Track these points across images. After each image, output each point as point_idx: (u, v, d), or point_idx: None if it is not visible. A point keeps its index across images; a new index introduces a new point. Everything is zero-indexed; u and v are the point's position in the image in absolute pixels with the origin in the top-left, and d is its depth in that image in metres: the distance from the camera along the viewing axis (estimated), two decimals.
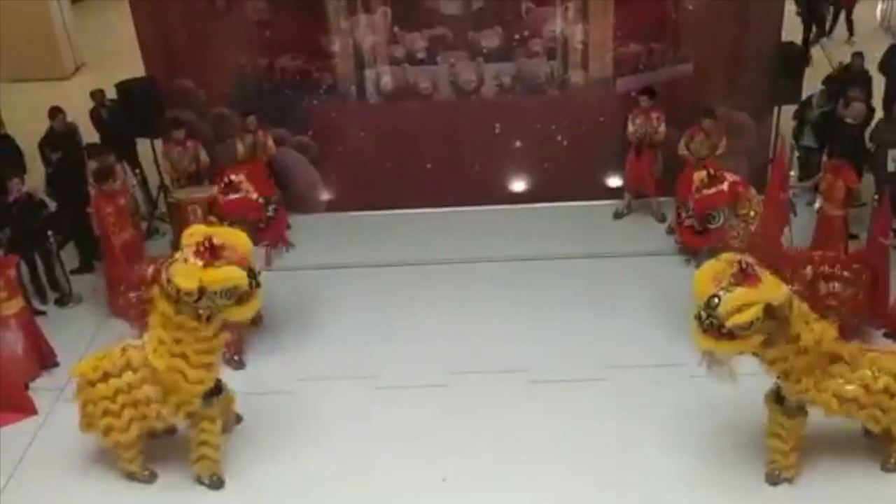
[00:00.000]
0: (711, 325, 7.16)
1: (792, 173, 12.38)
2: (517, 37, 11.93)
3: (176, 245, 11.77)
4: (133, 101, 12.02)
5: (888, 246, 9.61)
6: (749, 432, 8.45)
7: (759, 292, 7.13)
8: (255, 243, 8.73)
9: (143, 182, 12.87)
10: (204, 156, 12.01)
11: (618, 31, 11.84)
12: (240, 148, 12.03)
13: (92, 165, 11.12)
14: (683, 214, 10.62)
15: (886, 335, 9.84)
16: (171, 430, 8.74)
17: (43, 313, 10.91)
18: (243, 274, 7.61)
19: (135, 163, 12.69)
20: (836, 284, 9.33)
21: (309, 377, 9.60)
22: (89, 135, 12.60)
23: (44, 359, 10.16)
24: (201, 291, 7.51)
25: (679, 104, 11.75)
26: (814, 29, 16.51)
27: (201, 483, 8.42)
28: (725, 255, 7.55)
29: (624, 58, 11.99)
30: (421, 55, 12.08)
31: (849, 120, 11.14)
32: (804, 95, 11.94)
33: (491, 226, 12.18)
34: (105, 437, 8.30)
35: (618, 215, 12.17)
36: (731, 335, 7.17)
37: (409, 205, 12.16)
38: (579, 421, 8.85)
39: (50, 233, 11.03)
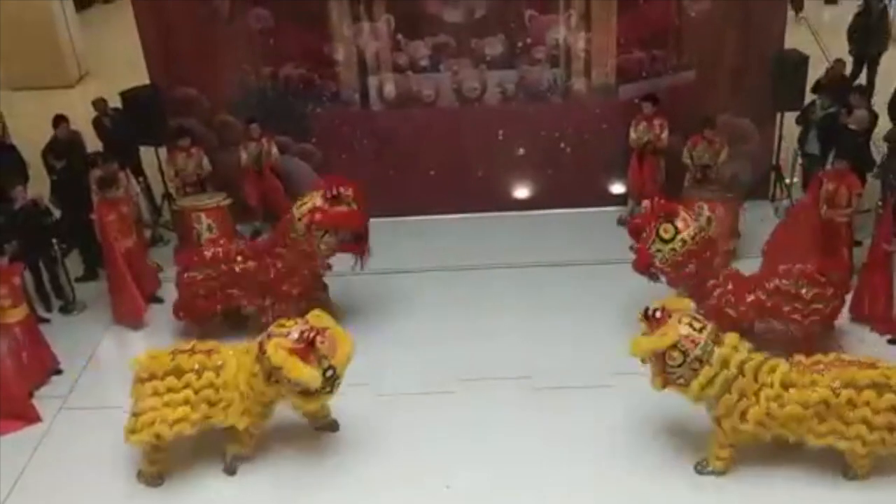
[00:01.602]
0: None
1: (795, 180, 12.47)
2: (520, 44, 11.94)
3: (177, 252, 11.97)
4: (137, 109, 12.05)
5: (893, 252, 9.62)
6: None
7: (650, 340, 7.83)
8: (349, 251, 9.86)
9: (147, 190, 12.90)
10: (206, 163, 12.04)
11: (620, 38, 11.85)
12: (243, 155, 12.06)
13: (95, 173, 11.14)
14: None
15: (891, 341, 9.85)
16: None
17: (47, 321, 10.91)
18: (318, 379, 7.89)
19: (138, 171, 12.73)
20: (797, 304, 9.31)
21: None
22: (94, 143, 12.60)
23: (48, 367, 10.16)
24: (272, 373, 7.96)
25: (682, 111, 11.76)
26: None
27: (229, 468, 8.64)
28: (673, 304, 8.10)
29: (627, 65, 11.99)
30: (424, 63, 12.11)
31: (852, 126, 11.11)
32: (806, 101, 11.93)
33: (494, 233, 12.18)
34: (147, 430, 8.30)
35: (621, 222, 12.10)
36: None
37: (412, 212, 12.17)
38: (584, 428, 8.83)
39: (54, 240, 11.04)
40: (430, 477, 8.43)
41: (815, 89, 12.18)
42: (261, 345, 8.07)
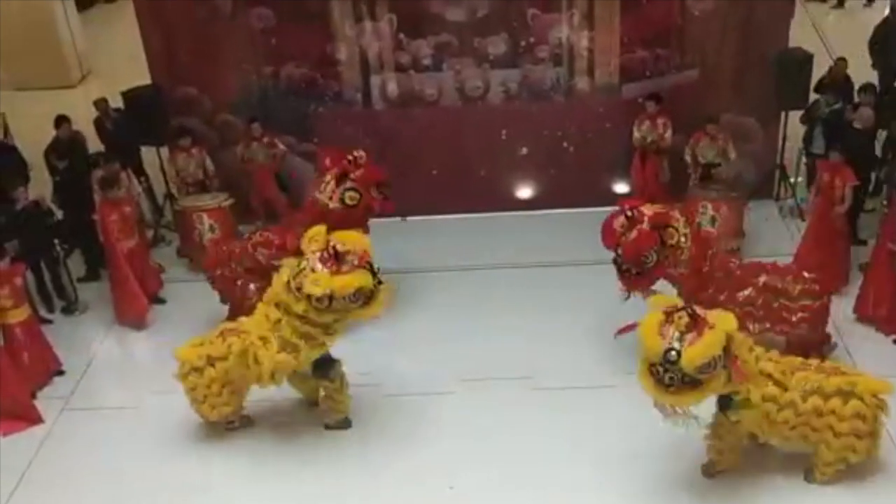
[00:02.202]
0: (673, 379, 7.05)
1: (800, 179, 12.43)
2: (523, 43, 11.91)
3: (182, 253, 11.93)
4: (139, 109, 12.03)
5: None
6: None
7: (714, 334, 7.02)
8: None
9: (149, 190, 12.88)
10: (209, 163, 12.01)
11: (624, 37, 11.81)
12: (245, 155, 12.02)
13: (97, 174, 11.12)
14: (619, 261, 9.33)
15: None
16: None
17: (49, 321, 10.91)
18: (369, 276, 8.04)
19: (140, 171, 12.71)
20: (787, 301, 9.16)
21: None
22: (96, 143, 12.59)
23: (50, 367, 10.16)
24: (331, 298, 7.94)
25: (685, 110, 11.71)
26: None
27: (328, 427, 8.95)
28: (661, 303, 7.38)
29: (630, 64, 11.95)
30: (427, 62, 12.08)
31: (857, 125, 11.07)
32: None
33: (497, 232, 12.15)
34: (212, 413, 8.76)
35: None
36: (696, 383, 7.08)
37: (415, 212, 12.09)
38: (587, 428, 8.80)
39: (56, 241, 11.05)
40: (433, 477, 8.42)
41: (817, 88, 12.12)
42: (295, 289, 8.07)
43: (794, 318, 9.11)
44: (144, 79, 12.30)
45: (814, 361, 8.15)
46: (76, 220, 11.39)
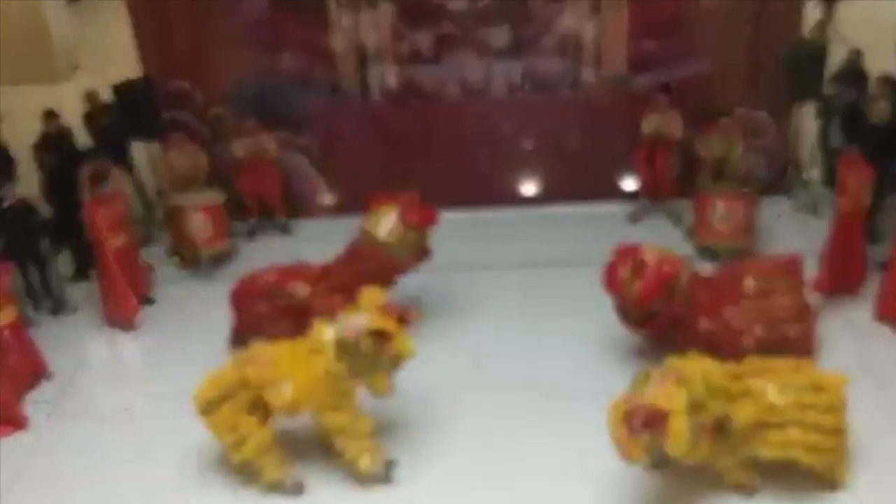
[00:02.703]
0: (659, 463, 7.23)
1: (814, 174, 12.26)
2: (527, 34, 11.83)
3: (173, 251, 11.71)
4: (130, 103, 11.83)
5: None
6: None
7: (676, 419, 7.02)
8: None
9: (139, 186, 12.68)
10: (202, 159, 11.89)
11: (632, 27, 11.70)
12: (239, 150, 11.93)
13: (86, 170, 10.94)
14: (623, 309, 9.30)
15: None
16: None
17: (37, 322, 10.76)
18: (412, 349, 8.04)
19: (130, 166, 12.49)
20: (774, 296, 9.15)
21: None
22: (84, 139, 12.41)
23: (37, 370, 10.03)
24: (381, 344, 7.89)
25: (695, 103, 11.60)
26: None
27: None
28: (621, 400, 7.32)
29: (638, 55, 11.85)
30: (427, 53, 11.99)
31: (873, 119, 10.90)
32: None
33: (500, 228, 12.06)
34: (240, 451, 8.15)
35: (634, 218, 11.94)
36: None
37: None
38: (593, 432, 8.50)
39: (44, 239, 10.89)
40: (436, 482, 8.30)
41: (831, 82, 11.91)
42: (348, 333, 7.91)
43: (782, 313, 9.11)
44: (135, 72, 12.13)
45: (774, 361, 8.07)
46: (64, 218, 11.19)
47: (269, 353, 8.23)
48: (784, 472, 7.99)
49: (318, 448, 8.50)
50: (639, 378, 7.43)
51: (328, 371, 7.96)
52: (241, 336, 9.63)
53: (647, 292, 8.75)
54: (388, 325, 7.88)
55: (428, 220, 9.84)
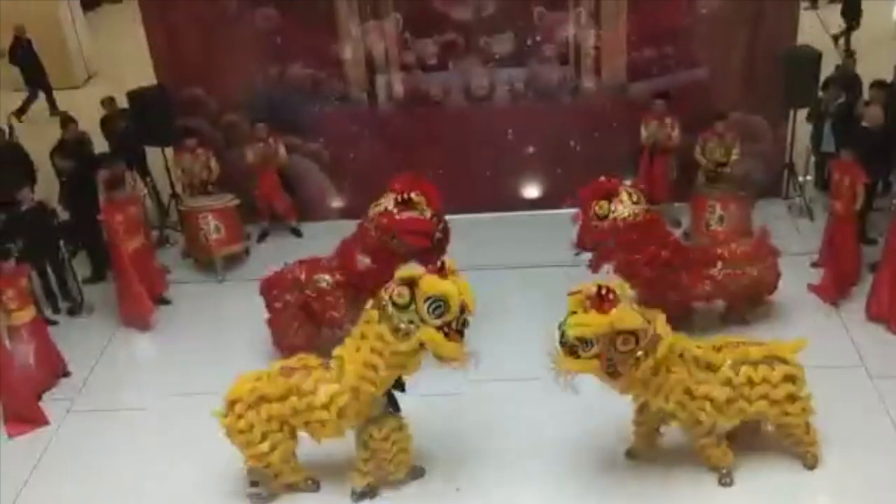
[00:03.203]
0: (562, 343, 7.38)
1: (809, 178, 12.37)
2: (529, 42, 11.89)
3: (187, 253, 11.91)
4: (144, 110, 12.01)
5: None
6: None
7: (604, 318, 7.18)
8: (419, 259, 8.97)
9: (154, 190, 12.85)
10: (215, 164, 12.00)
11: (631, 35, 11.78)
12: (251, 155, 12.03)
13: (102, 174, 11.10)
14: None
15: None
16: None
17: (55, 323, 10.90)
18: (457, 294, 7.38)
19: (145, 171, 12.69)
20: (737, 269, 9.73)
21: None
22: (101, 144, 12.59)
23: (55, 369, 10.14)
24: (413, 292, 7.36)
25: (693, 109, 11.67)
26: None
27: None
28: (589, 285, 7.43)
29: (637, 62, 11.92)
30: (432, 61, 12.06)
31: (866, 123, 11.02)
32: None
33: (504, 232, 12.10)
34: (263, 458, 8.02)
35: None
36: (574, 352, 7.32)
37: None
38: (596, 430, 8.75)
39: (61, 242, 11.04)
40: (440, 479, 8.40)
41: (824, 86, 12.05)
42: (384, 292, 7.47)
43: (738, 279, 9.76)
44: (150, 79, 12.29)
45: (732, 337, 8.35)
46: (82, 221, 11.36)
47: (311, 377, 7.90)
48: (762, 456, 8.23)
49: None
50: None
51: (377, 335, 7.47)
52: (278, 331, 9.80)
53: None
54: (416, 272, 7.41)
55: (398, 227, 9.44)
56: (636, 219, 9.31)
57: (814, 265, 10.94)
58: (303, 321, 9.75)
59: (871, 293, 10.12)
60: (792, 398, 7.89)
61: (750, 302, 10.07)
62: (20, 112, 16.04)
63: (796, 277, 10.71)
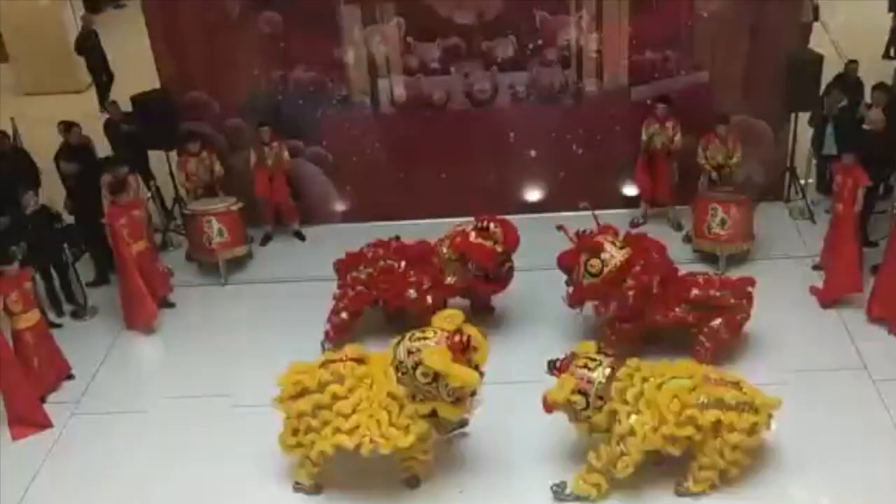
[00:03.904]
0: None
1: (810, 181, 12.39)
2: (531, 46, 11.89)
3: (191, 256, 11.94)
4: (148, 114, 12.05)
5: None
6: None
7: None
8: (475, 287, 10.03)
9: (158, 193, 12.90)
10: (218, 167, 12.03)
11: (632, 39, 11.78)
12: (254, 159, 12.06)
13: (106, 178, 11.14)
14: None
15: None
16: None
17: (59, 326, 10.93)
18: (478, 379, 7.83)
19: (149, 175, 12.73)
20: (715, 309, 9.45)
21: None
22: (104, 148, 12.63)
23: (59, 372, 10.17)
24: (436, 379, 7.67)
25: (695, 112, 11.68)
26: None
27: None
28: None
29: (639, 66, 11.92)
30: (435, 65, 12.06)
31: (867, 126, 11.04)
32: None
33: None
34: (303, 449, 8.24)
35: (634, 224, 12.06)
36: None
37: (424, 215, 12.09)
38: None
39: (65, 245, 11.07)
40: (443, 481, 8.42)
41: (826, 91, 12.05)
42: (408, 357, 7.78)
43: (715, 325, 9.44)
44: (153, 83, 12.31)
45: (712, 373, 8.23)
46: (86, 225, 11.40)
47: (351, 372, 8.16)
48: (762, 456, 8.23)
49: None
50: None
51: (390, 392, 7.91)
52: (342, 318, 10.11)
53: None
54: (443, 364, 7.60)
55: (466, 250, 9.91)
56: (625, 258, 9.41)
57: (815, 267, 10.95)
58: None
59: (873, 295, 10.13)
60: (742, 449, 7.91)
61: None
62: (101, 101, 16.01)
63: (798, 280, 10.76)
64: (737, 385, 8.00)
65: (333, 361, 8.26)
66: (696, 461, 7.99)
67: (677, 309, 9.47)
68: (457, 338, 7.78)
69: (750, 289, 9.55)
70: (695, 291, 9.50)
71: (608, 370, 7.94)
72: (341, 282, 10.28)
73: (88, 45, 16.53)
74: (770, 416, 7.98)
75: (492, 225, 9.87)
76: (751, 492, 8.11)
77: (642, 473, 8.08)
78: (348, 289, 10.19)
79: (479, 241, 9.83)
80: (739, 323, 9.54)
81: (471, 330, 7.96)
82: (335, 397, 8.01)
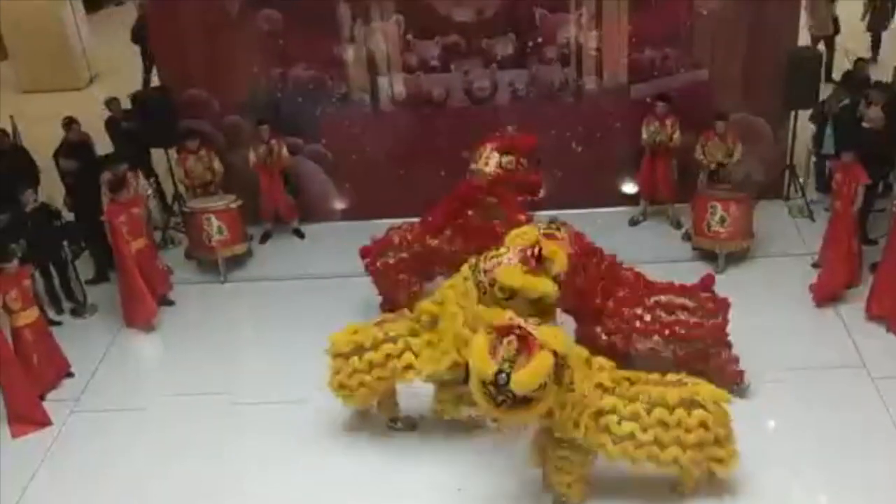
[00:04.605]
0: (505, 399, 6.91)
1: (810, 179, 12.40)
2: (531, 44, 11.89)
3: (190, 254, 11.95)
4: (148, 111, 12.07)
5: None
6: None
7: (543, 357, 6.89)
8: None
9: (158, 191, 12.91)
10: (218, 165, 12.04)
11: (632, 37, 11.79)
12: (253, 157, 12.07)
13: (105, 176, 11.15)
14: None
15: None
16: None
17: (58, 324, 10.93)
18: (555, 289, 7.82)
19: (149, 172, 12.74)
20: (682, 314, 9.03)
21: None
22: (104, 145, 12.64)
23: (59, 369, 10.17)
24: (514, 293, 7.73)
25: (695, 110, 11.68)
26: None
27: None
28: (491, 322, 7.20)
29: (638, 64, 11.93)
30: (434, 63, 12.07)
31: (866, 124, 11.05)
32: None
33: None
34: (360, 402, 8.73)
35: (633, 222, 12.11)
36: (526, 400, 6.95)
37: (423, 212, 12.09)
38: None
39: (65, 243, 11.08)
40: (441, 479, 8.41)
41: (842, 82, 11.99)
42: (484, 276, 8.01)
43: (684, 332, 8.95)
44: (152, 81, 12.31)
45: (652, 375, 7.94)
46: (85, 222, 11.41)
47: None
48: (761, 456, 8.16)
49: None
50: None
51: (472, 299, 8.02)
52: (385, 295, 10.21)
53: None
54: (515, 279, 7.72)
55: (524, 145, 10.00)
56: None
57: (814, 265, 10.95)
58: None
59: (872, 293, 10.14)
60: (703, 445, 7.67)
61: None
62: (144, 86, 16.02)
63: (797, 278, 10.76)
64: (678, 383, 7.81)
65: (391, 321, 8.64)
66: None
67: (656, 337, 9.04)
68: (529, 251, 7.89)
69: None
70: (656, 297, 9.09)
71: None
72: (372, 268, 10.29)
73: (143, 35, 16.53)
74: (723, 409, 7.74)
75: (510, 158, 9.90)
76: (749, 490, 8.10)
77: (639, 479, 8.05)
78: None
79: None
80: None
81: (545, 243, 8.04)
82: (388, 357, 8.39)
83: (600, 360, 7.79)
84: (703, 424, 7.58)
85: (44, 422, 9.54)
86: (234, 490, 8.53)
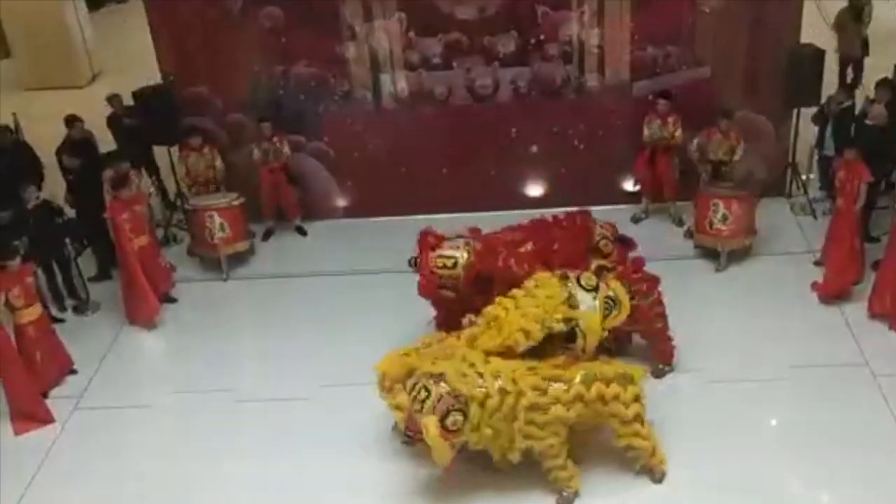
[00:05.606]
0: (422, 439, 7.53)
1: (812, 176, 12.40)
2: (533, 41, 11.88)
3: (193, 251, 11.95)
4: (150, 109, 12.07)
5: None
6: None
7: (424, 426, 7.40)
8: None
9: (161, 189, 12.90)
10: (220, 162, 12.04)
11: (634, 34, 11.78)
12: (256, 154, 12.07)
13: (107, 173, 11.15)
14: None
15: None
16: None
17: (61, 321, 10.93)
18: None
19: (152, 169, 12.74)
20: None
21: (334, 383, 9.52)
22: (106, 142, 12.63)
23: (62, 367, 10.18)
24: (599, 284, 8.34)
25: (696, 107, 11.67)
26: None
27: None
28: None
29: (640, 61, 11.91)
30: (436, 60, 12.06)
31: (869, 122, 11.04)
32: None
33: None
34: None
35: (635, 219, 12.09)
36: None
37: (425, 210, 12.09)
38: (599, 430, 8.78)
39: (67, 240, 11.08)
40: (445, 480, 8.35)
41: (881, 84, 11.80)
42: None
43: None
44: (154, 79, 12.32)
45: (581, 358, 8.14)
46: (88, 219, 11.42)
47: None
48: (760, 456, 8.26)
49: None
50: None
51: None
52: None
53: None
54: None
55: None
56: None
57: (816, 263, 10.95)
58: None
59: (874, 291, 10.14)
60: (640, 420, 7.90)
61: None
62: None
63: (799, 276, 10.76)
64: (609, 363, 8.11)
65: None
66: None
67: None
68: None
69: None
70: None
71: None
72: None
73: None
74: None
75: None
76: (751, 487, 8.11)
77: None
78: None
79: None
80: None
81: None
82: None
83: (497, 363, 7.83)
84: (638, 399, 7.91)
85: (46, 419, 9.54)
86: (237, 487, 8.53)
